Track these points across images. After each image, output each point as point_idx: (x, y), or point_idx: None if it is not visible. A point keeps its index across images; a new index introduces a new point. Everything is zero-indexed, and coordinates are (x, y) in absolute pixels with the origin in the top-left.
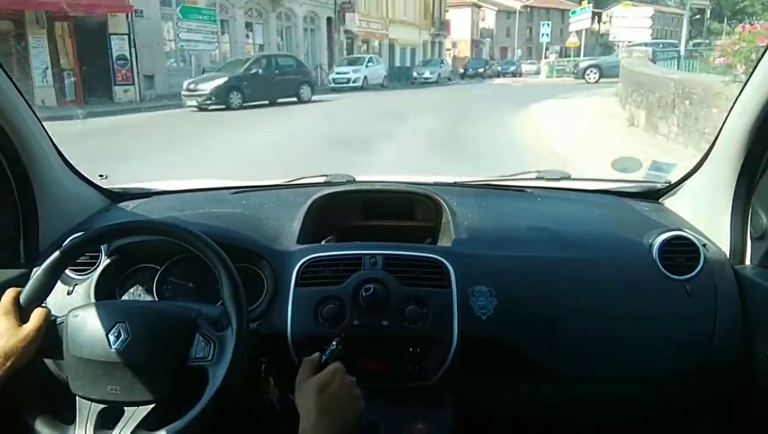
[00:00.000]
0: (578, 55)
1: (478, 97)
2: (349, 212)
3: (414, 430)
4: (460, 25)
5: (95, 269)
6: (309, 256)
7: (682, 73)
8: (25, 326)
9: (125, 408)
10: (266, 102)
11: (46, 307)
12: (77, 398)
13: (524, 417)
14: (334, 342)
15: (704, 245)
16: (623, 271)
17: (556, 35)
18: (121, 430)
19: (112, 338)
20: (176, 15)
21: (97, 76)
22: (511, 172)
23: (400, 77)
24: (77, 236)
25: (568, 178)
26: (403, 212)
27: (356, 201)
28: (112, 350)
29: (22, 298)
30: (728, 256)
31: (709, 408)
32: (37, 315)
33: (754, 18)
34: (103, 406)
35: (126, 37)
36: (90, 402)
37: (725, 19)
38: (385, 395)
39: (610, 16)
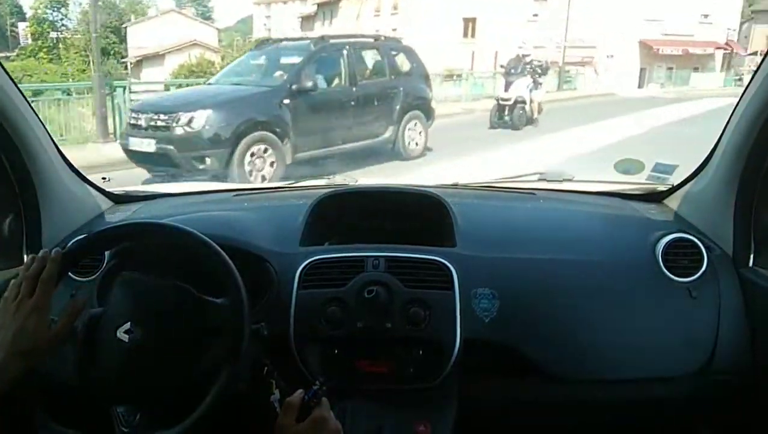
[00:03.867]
0: None
1: None
2: (351, 214)
3: (416, 432)
4: None
5: (98, 271)
6: (312, 258)
7: None
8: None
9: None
10: None
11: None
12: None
13: (527, 419)
14: (318, 382)
15: (707, 247)
16: (626, 273)
17: None
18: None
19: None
20: None
21: None
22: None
23: None
24: (80, 238)
25: (571, 180)
26: (406, 214)
27: (359, 203)
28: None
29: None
30: (731, 258)
31: (711, 410)
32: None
33: None
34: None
35: None
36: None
37: None
38: (387, 397)
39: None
